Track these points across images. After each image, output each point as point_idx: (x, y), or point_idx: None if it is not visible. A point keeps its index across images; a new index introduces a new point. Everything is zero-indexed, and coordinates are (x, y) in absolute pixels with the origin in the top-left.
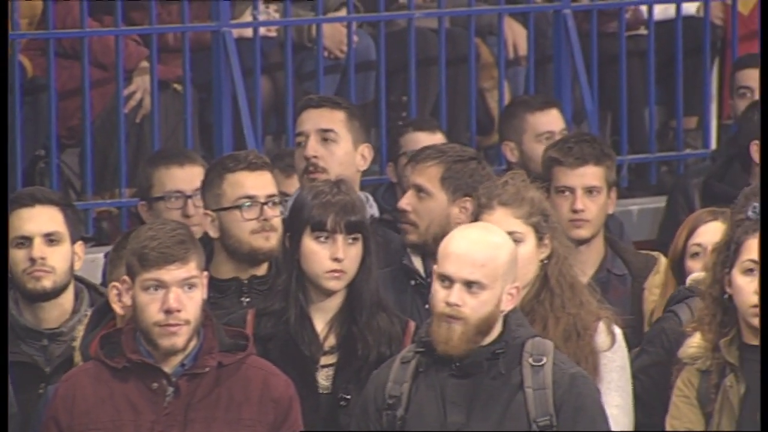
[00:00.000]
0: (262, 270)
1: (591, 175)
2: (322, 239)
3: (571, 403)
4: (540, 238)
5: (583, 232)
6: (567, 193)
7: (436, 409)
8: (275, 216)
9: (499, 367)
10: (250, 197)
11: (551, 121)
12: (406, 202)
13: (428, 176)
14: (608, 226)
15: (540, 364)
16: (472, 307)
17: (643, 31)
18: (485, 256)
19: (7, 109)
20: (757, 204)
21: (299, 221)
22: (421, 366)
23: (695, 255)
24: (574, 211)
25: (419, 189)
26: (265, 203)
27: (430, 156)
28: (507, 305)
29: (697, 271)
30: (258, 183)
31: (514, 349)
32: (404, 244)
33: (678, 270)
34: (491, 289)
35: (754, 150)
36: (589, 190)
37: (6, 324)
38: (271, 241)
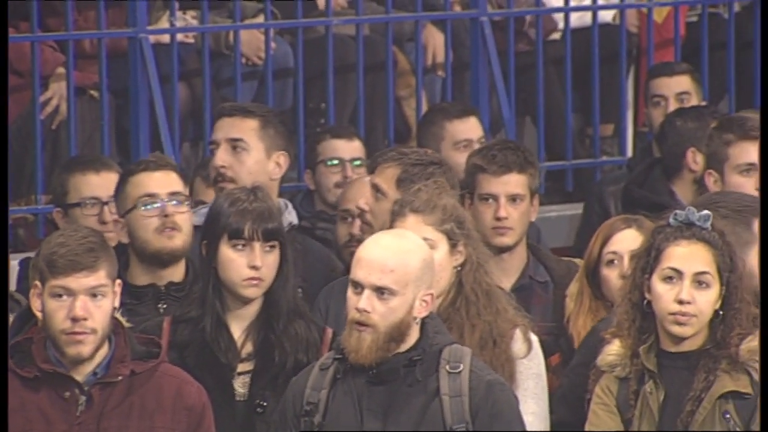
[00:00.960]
0: (178, 276)
1: (514, 182)
2: (239, 247)
3: (488, 410)
4: (454, 245)
5: (507, 240)
6: (490, 200)
7: (353, 416)
8: (179, 213)
9: (415, 374)
10: (150, 195)
11: (469, 128)
12: (365, 201)
13: (385, 177)
14: (527, 233)
15: (457, 371)
16: (381, 313)
17: (556, 35)
18: (394, 262)
19: (7, 110)
20: (681, 212)
21: (216, 229)
22: (339, 373)
23: (610, 263)
24: (498, 219)
25: (377, 189)
26: (168, 201)
27: (391, 158)
28: (420, 312)
29: (612, 279)
30: (159, 182)
31: (432, 356)
32: None
33: (593, 278)
34: (401, 295)
35: (690, 157)
36: (513, 198)
37: (6, 324)
38: (175, 240)
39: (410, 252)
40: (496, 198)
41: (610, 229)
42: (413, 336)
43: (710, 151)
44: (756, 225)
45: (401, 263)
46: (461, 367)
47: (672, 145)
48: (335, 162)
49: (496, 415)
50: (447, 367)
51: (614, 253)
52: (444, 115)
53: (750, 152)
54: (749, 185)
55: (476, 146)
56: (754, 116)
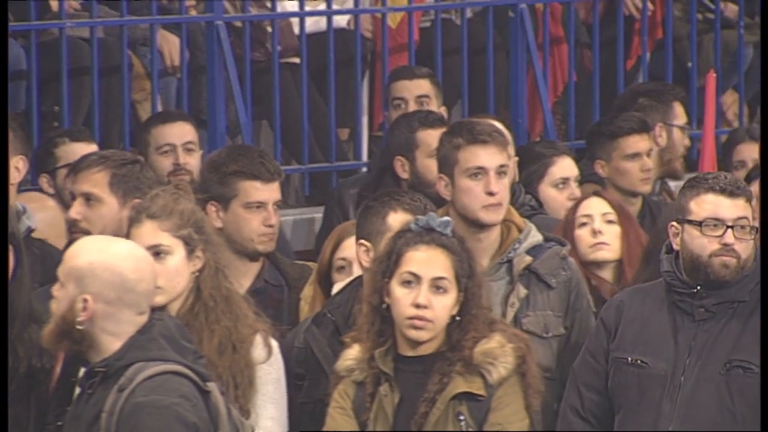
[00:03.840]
0: None
1: (277, 189)
2: None
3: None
4: (191, 251)
5: (273, 244)
6: (260, 207)
7: (72, 422)
8: None
9: (93, 387)
10: None
11: (173, 133)
12: (76, 210)
13: (95, 182)
14: None
15: (122, 389)
16: (56, 303)
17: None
18: (66, 255)
19: (6, 109)
20: (422, 217)
21: None
22: None
23: (341, 269)
24: (270, 225)
25: (88, 197)
26: None
27: (94, 162)
28: (79, 315)
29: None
30: None
31: (116, 371)
32: None
33: (325, 283)
34: (64, 288)
35: (399, 166)
36: (277, 204)
37: (6, 323)
38: None
39: (85, 251)
40: (265, 205)
41: (341, 234)
42: (108, 347)
43: (441, 155)
44: (391, 217)
45: (69, 257)
46: (128, 385)
47: (384, 156)
48: None
49: None
50: (119, 384)
51: (344, 259)
52: (155, 120)
53: (479, 156)
54: (478, 189)
55: (180, 150)
56: (483, 121)
